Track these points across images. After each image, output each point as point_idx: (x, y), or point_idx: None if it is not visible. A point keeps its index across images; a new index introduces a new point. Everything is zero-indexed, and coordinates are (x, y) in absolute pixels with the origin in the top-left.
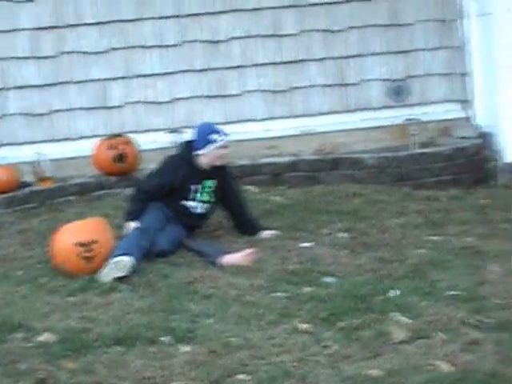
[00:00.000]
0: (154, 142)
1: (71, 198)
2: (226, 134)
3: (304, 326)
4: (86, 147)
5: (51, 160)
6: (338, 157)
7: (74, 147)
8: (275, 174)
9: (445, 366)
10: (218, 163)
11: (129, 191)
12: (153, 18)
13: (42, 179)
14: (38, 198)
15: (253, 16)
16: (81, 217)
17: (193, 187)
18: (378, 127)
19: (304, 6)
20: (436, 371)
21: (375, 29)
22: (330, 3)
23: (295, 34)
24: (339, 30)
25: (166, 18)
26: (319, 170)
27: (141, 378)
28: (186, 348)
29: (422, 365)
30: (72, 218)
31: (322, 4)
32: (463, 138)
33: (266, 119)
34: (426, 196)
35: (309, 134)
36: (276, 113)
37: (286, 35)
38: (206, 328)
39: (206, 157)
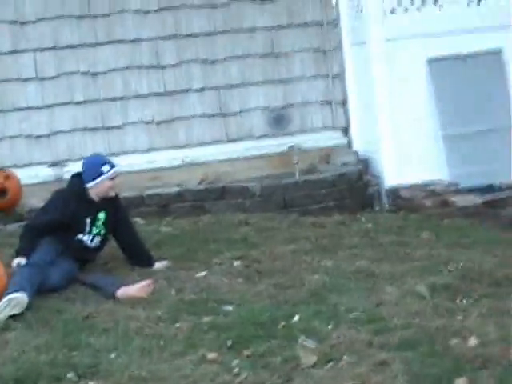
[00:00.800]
0: (35, 177)
1: None
2: (114, 165)
3: (211, 356)
4: None
5: None
6: (224, 186)
7: None
8: (161, 205)
9: None
10: (109, 195)
11: (11, 227)
12: (30, 50)
13: None
14: None
15: (133, 47)
16: None
17: (86, 220)
18: (261, 156)
19: (183, 36)
20: None
21: (254, 58)
22: (208, 34)
23: (175, 65)
24: (219, 60)
25: (43, 49)
26: (205, 200)
27: None
28: (91, 383)
29: None
30: None
31: (200, 35)
32: (344, 164)
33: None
34: (312, 222)
35: (192, 164)
36: (159, 144)
37: (167, 66)
38: (110, 362)
39: (96, 189)
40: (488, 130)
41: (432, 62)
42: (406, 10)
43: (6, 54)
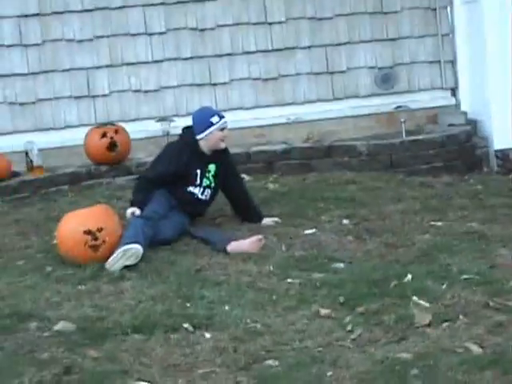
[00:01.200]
0: (143, 131)
1: (62, 187)
2: (223, 116)
3: (324, 311)
4: (72, 137)
5: (39, 150)
6: (330, 144)
7: (60, 137)
8: (268, 163)
9: (474, 348)
10: (219, 146)
11: (120, 180)
12: (138, 6)
13: (33, 169)
14: (30, 188)
15: (242, 3)
16: (74, 206)
17: (197, 172)
18: (367, 115)
19: None
20: (466, 353)
21: (363, 16)
22: None
23: (283, 22)
24: (326, 18)
25: (152, 5)
26: (311, 158)
27: (166, 365)
28: (208, 335)
29: (449, 347)
30: (66, 208)
31: None
32: (451, 125)
33: (255, 107)
34: (420, 182)
35: (297, 122)
36: (265, 101)
37: (275, 23)
38: (224, 314)
39: (207, 141)
40: None
41: None
42: None
43: (115, 9)
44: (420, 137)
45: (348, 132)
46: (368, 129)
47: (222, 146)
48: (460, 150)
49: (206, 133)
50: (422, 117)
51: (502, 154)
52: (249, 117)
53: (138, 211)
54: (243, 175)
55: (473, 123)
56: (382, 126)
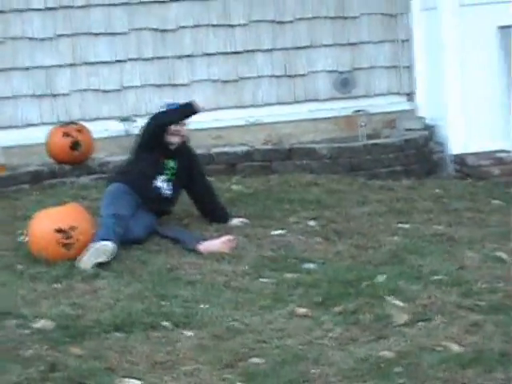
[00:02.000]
0: (104, 131)
1: (23, 186)
2: None
3: (301, 311)
4: (33, 135)
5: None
6: (291, 147)
7: (21, 135)
8: (230, 164)
9: (454, 347)
10: (171, 140)
11: (84, 180)
12: (101, 5)
13: None
14: None
15: (203, 5)
16: (41, 205)
17: (162, 161)
18: (326, 118)
19: None
20: (446, 351)
21: (323, 21)
22: None
23: (245, 24)
24: (287, 21)
25: (115, 5)
26: (272, 160)
27: (153, 362)
28: (188, 333)
29: (429, 346)
30: (31, 206)
31: None
32: (408, 130)
33: (215, 109)
34: (381, 186)
35: (256, 124)
36: (225, 102)
37: (235, 25)
38: (202, 313)
39: (169, 134)
40: None
41: (504, 28)
42: None
43: (78, 8)
44: (379, 141)
45: (307, 135)
46: (327, 132)
47: (174, 140)
48: (418, 155)
49: None
50: (379, 121)
51: (459, 159)
52: (208, 118)
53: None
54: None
55: (430, 128)
56: (341, 129)
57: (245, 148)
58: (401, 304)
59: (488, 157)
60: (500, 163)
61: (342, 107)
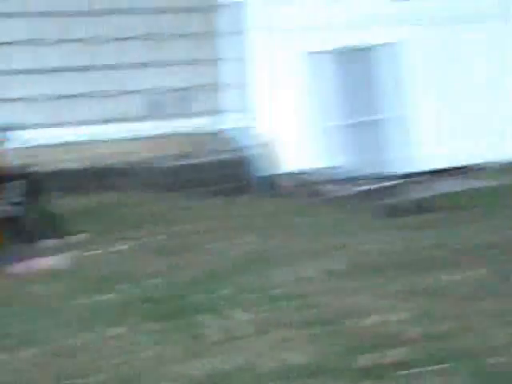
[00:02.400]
0: None
1: None
2: None
3: (116, 330)
4: None
5: None
6: (105, 167)
7: None
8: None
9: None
10: None
11: None
12: None
13: None
14: None
15: (15, 22)
16: None
17: None
18: (138, 139)
19: (65, 15)
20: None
21: (135, 41)
22: (89, 14)
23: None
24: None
25: None
26: (85, 180)
27: None
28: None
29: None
30: None
31: (74, 15)
32: (220, 151)
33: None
34: (200, 205)
35: (68, 144)
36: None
37: (50, 43)
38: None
39: None
40: (375, 121)
41: (314, 54)
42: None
43: None
44: (193, 161)
45: (117, 156)
46: (140, 152)
47: None
48: (231, 175)
49: None
50: (191, 142)
51: (268, 179)
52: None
53: None
54: None
55: (244, 149)
56: (152, 149)
57: (54, 167)
58: (241, 317)
59: (296, 178)
60: (307, 184)
61: (156, 127)
